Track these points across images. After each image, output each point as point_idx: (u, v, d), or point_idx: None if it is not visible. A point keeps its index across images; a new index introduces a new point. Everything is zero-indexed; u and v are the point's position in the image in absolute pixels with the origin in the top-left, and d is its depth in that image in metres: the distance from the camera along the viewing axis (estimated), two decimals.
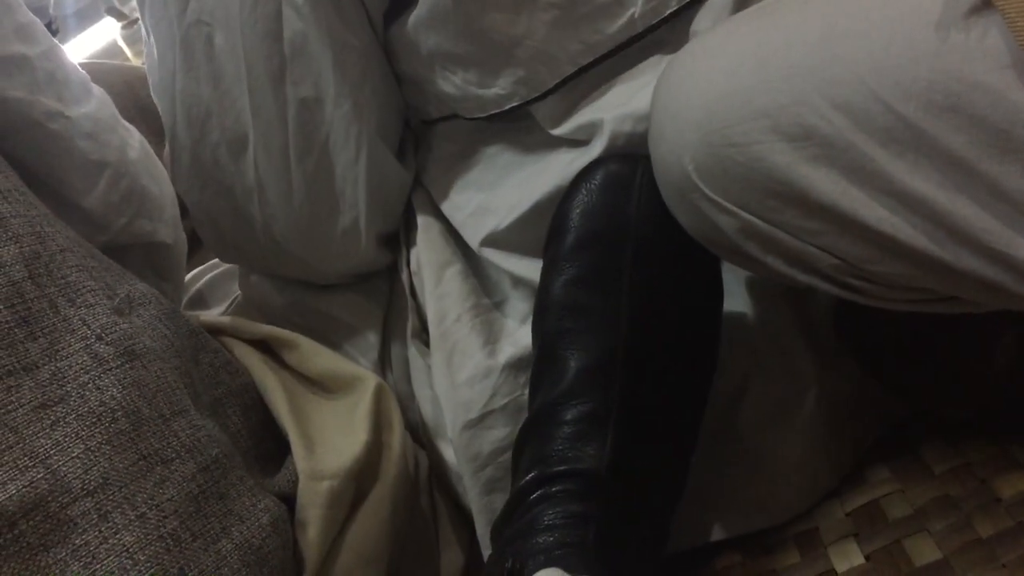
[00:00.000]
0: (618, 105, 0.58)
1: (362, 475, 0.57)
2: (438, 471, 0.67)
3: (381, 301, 0.74)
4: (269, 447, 0.59)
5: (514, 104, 0.62)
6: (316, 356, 0.64)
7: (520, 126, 0.65)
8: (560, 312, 0.53)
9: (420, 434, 0.68)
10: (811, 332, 0.60)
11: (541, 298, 0.55)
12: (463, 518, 0.68)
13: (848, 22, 0.42)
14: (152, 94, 0.67)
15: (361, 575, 0.55)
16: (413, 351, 0.68)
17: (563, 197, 0.56)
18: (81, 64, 0.67)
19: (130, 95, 0.94)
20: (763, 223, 0.45)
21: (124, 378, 0.49)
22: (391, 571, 0.58)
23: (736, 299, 0.60)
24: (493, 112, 0.63)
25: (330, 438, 0.58)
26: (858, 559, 0.54)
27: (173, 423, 0.50)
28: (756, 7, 0.49)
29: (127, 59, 1.35)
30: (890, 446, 0.61)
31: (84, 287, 0.51)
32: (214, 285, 0.89)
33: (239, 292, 0.81)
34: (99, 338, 0.49)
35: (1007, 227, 0.38)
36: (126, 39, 1.36)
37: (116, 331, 0.50)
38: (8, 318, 0.47)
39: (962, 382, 0.57)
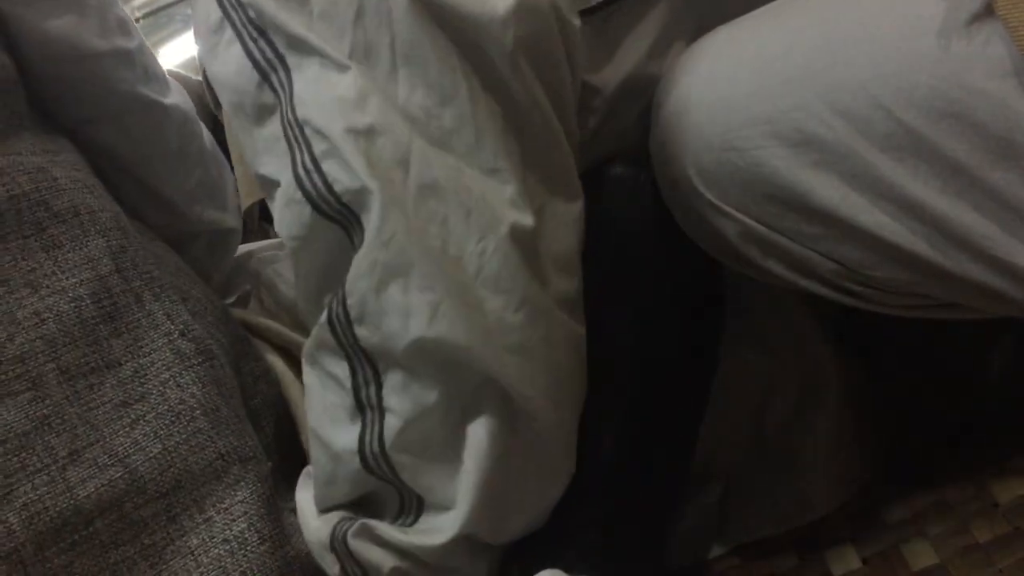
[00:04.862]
0: None
1: None
2: None
3: None
4: (292, 464, 0.58)
5: None
6: None
7: None
8: None
9: None
10: (829, 330, 0.60)
11: None
12: None
13: (849, 28, 0.42)
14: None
15: None
16: None
17: None
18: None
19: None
20: (763, 228, 0.45)
21: (204, 376, 0.48)
22: None
23: (753, 302, 0.60)
24: None
25: None
26: (855, 563, 0.54)
27: (246, 425, 0.49)
28: (758, 12, 0.49)
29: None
30: (888, 450, 0.61)
31: (165, 283, 0.50)
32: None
33: (247, 287, 0.81)
34: (182, 334, 0.49)
35: (1007, 234, 0.38)
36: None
37: (196, 329, 0.50)
38: (94, 314, 0.47)
39: (959, 384, 0.57)
